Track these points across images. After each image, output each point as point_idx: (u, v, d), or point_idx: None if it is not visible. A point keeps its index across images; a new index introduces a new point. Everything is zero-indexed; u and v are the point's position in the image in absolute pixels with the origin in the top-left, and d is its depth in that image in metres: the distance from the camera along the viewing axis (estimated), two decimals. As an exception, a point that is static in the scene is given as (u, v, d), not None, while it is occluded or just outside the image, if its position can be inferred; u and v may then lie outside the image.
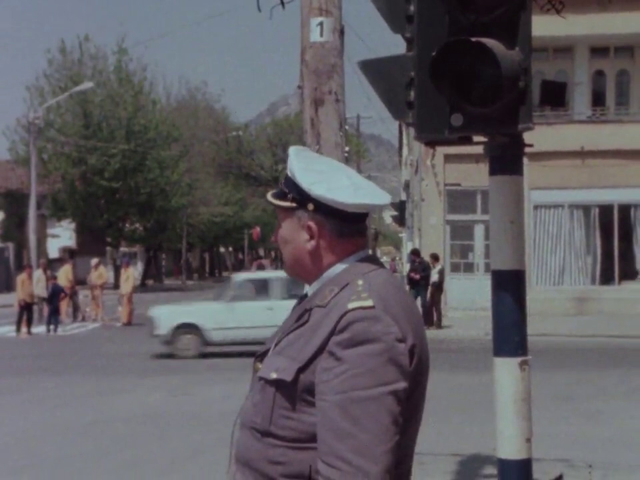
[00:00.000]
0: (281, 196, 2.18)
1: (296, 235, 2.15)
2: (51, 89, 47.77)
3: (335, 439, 1.91)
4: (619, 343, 18.52)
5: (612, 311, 23.92)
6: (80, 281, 30.83)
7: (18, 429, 10.13)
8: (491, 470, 6.59)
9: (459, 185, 25.41)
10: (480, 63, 3.73)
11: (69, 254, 46.17)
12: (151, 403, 11.75)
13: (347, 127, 11.12)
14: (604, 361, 15.63)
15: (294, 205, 2.14)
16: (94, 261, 27.64)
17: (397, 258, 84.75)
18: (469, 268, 26.13)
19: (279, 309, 12.41)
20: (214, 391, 12.51)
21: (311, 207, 2.11)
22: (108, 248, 53.97)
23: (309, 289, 2.20)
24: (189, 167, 56.37)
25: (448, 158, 24.77)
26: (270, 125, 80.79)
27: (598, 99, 27.16)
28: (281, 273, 13.62)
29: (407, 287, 22.36)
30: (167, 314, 17.19)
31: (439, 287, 22.08)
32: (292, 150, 2.21)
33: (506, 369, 4.25)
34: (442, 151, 23.37)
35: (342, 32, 6.47)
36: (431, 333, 19.37)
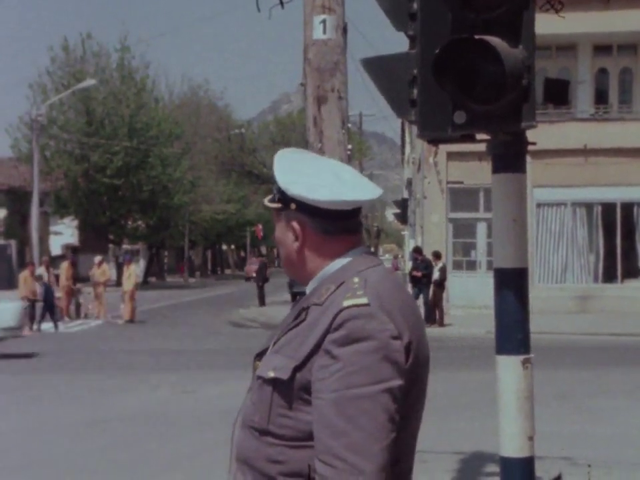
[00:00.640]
0: (272, 199, 2.20)
1: (285, 235, 2.17)
2: (54, 87, 47.82)
3: (330, 436, 1.92)
4: (621, 341, 18.51)
5: (614, 309, 23.91)
6: (82, 278, 30.85)
7: (19, 427, 10.14)
8: (493, 468, 6.58)
9: (461, 182, 25.40)
10: (483, 60, 3.73)
11: (72, 251, 46.17)
12: (153, 400, 11.76)
13: (349, 125, 11.12)
14: (606, 358, 15.62)
15: (279, 206, 2.15)
16: (97, 258, 27.66)
17: (400, 256, 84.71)
18: (472, 266, 26.13)
19: None
20: (216, 389, 12.51)
21: (293, 206, 2.12)
22: (110, 245, 54.01)
23: (306, 288, 2.19)
24: (192, 165, 56.42)
25: (451, 156, 24.77)
26: (272, 123, 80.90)
27: (601, 97, 27.14)
28: None
29: (409, 285, 22.39)
30: None
31: (440, 284, 22.07)
32: (277, 153, 2.22)
33: (508, 366, 4.24)
34: (445, 148, 23.38)
35: (345, 29, 6.46)
36: (433, 331, 19.36)
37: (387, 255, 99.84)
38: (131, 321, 25.15)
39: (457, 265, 26.14)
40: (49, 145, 46.49)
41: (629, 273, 25.63)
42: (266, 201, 2.22)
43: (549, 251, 25.68)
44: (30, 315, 23.14)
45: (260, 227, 66.43)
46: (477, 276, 25.48)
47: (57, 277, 26.31)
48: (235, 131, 69.87)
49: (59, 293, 26.17)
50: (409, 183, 43.43)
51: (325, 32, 6.29)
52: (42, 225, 38.04)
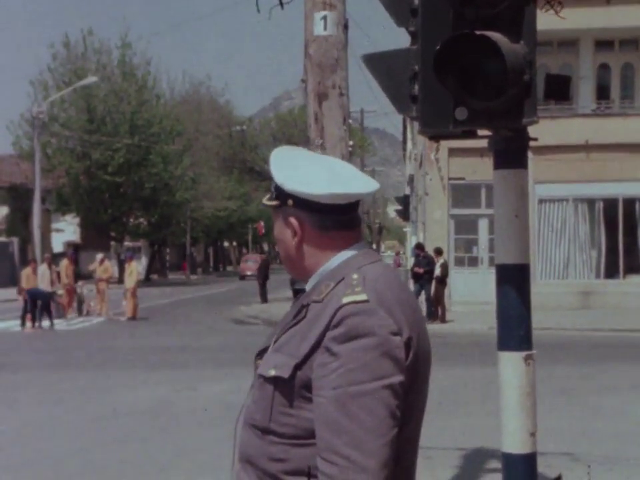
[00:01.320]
0: (270, 196, 2.20)
1: (284, 232, 2.16)
2: (55, 84, 47.83)
3: (331, 434, 1.91)
4: (623, 337, 18.51)
5: (616, 305, 23.91)
6: (84, 275, 30.88)
7: (21, 423, 10.15)
8: (496, 464, 6.58)
9: (463, 179, 25.38)
10: (484, 56, 3.72)
11: (73, 248, 46.19)
12: (155, 397, 11.77)
13: (350, 121, 11.13)
14: (608, 354, 15.61)
15: (277, 203, 2.15)
16: (99, 255, 27.66)
17: (401, 252, 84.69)
18: (473, 262, 26.12)
19: None
20: (218, 385, 12.51)
21: (290, 203, 2.11)
22: (112, 242, 54.03)
23: (306, 285, 2.19)
24: (193, 162, 56.44)
25: (452, 152, 24.76)
26: (274, 119, 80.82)
27: (602, 93, 27.09)
28: None
29: (411, 281, 22.39)
30: None
31: (442, 281, 22.07)
32: (273, 151, 2.22)
33: (510, 363, 4.24)
34: (446, 144, 23.39)
35: (346, 26, 6.45)
36: (434, 327, 19.38)
37: (388, 252, 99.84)
38: (133, 318, 25.17)
39: (459, 261, 26.13)
40: (50, 142, 46.50)
41: (631, 269, 25.61)
42: (264, 199, 2.22)
43: (551, 246, 25.66)
44: (32, 313, 23.18)
45: (261, 223, 66.45)
46: (479, 272, 25.48)
47: (59, 275, 26.31)
48: (236, 127, 69.87)
49: (60, 291, 26.20)
50: (411, 180, 43.42)
51: (325, 28, 6.28)
52: (44, 222, 38.08)
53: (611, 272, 25.60)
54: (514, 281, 4.25)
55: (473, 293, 24.55)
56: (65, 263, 27.03)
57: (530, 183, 5.65)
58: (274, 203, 2.16)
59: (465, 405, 10.58)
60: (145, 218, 53.93)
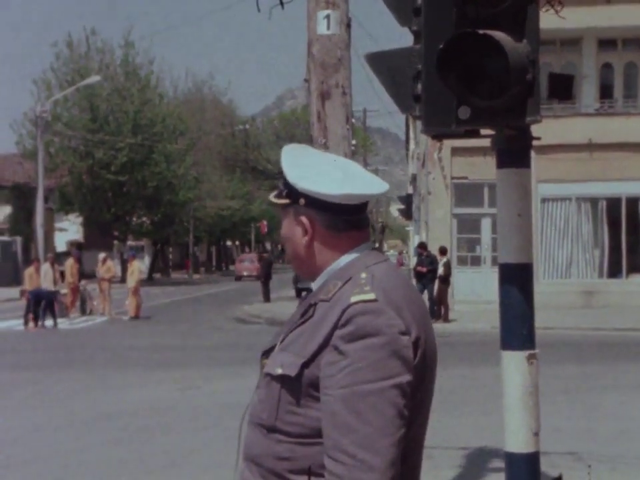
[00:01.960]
0: (278, 194, 2.19)
1: (293, 231, 2.16)
2: (58, 83, 47.87)
3: (339, 433, 1.91)
4: (626, 336, 18.48)
5: (619, 304, 23.88)
6: (87, 275, 30.90)
7: (24, 422, 10.16)
8: (499, 463, 6.58)
9: (466, 178, 25.38)
10: (487, 55, 3.72)
11: (77, 247, 46.23)
12: (158, 396, 11.77)
13: (353, 120, 11.11)
14: (611, 354, 15.60)
15: (287, 201, 2.14)
16: (101, 255, 27.69)
17: (404, 251, 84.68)
18: (476, 261, 26.12)
19: None
20: (220, 384, 12.52)
21: (302, 202, 2.11)
22: (115, 241, 54.07)
23: (313, 284, 2.19)
24: (196, 161, 56.45)
25: (455, 151, 24.76)
26: (277, 119, 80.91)
27: (606, 92, 27.07)
28: None
29: (414, 281, 22.37)
30: None
31: (445, 280, 22.06)
32: (285, 148, 2.21)
33: (513, 362, 4.24)
34: (449, 144, 23.38)
35: (349, 25, 6.45)
36: (437, 327, 19.36)
37: (391, 251, 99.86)
38: (136, 317, 25.18)
39: (462, 261, 26.12)
40: (53, 141, 46.51)
41: (634, 268, 25.59)
42: (272, 197, 2.21)
43: (554, 246, 25.65)
44: (34, 312, 23.20)
45: (264, 222, 66.47)
46: (482, 271, 25.47)
47: (62, 274, 26.34)
48: (239, 126, 69.86)
49: (64, 290, 26.24)
50: (414, 179, 43.42)
51: (328, 27, 6.28)
52: (47, 221, 38.08)
53: (614, 271, 25.58)
54: (517, 280, 4.24)
55: (475, 292, 24.55)
56: (70, 262, 27.05)
57: (533, 182, 5.62)
58: (284, 201, 2.16)
59: (468, 404, 10.57)
60: (147, 217, 53.96)
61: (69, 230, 54.26)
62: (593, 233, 25.62)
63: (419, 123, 4.76)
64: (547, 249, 25.58)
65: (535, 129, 4.13)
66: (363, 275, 2.05)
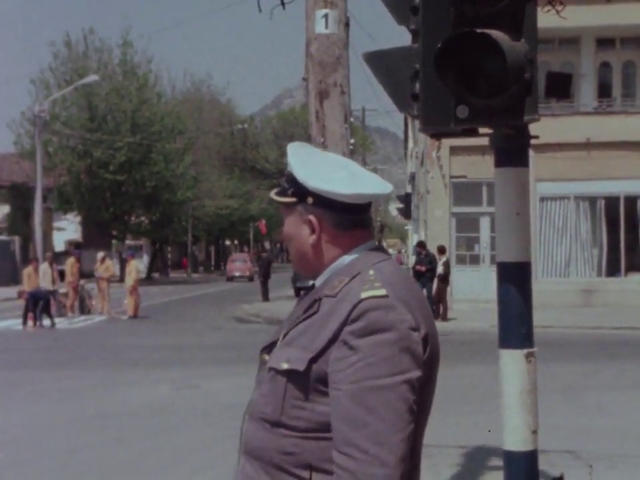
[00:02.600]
0: (282, 193, 2.19)
1: (298, 230, 2.16)
2: (56, 82, 47.85)
3: (350, 428, 1.92)
4: (624, 335, 18.50)
5: (618, 303, 23.91)
6: (86, 274, 30.89)
7: (23, 421, 10.16)
8: (497, 462, 6.59)
9: (464, 177, 25.40)
10: (485, 54, 3.72)
11: (75, 247, 46.22)
12: (157, 395, 11.77)
13: (352, 120, 11.11)
14: (610, 352, 15.61)
15: (294, 200, 2.15)
16: (100, 254, 27.67)
17: (403, 250, 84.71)
18: (475, 260, 26.14)
19: None
20: (220, 383, 12.52)
21: (310, 200, 2.12)
22: (114, 241, 54.05)
23: (316, 281, 2.20)
24: (194, 160, 56.44)
25: (454, 150, 24.77)
26: (275, 118, 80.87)
27: (604, 91, 27.09)
28: None
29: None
30: None
31: (444, 279, 22.07)
32: (290, 146, 2.22)
33: (512, 360, 4.25)
34: (447, 143, 23.40)
35: (347, 24, 6.46)
36: (436, 325, 19.33)
37: (390, 250, 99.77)
38: (134, 316, 25.17)
39: (461, 259, 26.14)
40: (51, 140, 46.49)
41: (633, 267, 25.61)
42: (274, 195, 2.21)
43: (552, 244, 25.67)
44: (33, 312, 23.19)
45: (263, 222, 66.43)
46: (481, 270, 25.49)
47: (61, 273, 26.33)
48: (237, 126, 69.83)
49: (64, 289, 26.24)
50: (412, 178, 43.43)
51: (327, 26, 6.28)
52: (45, 220, 38.08)
53: (613, 270, 25.60)
54: (515, 278, 4.25)
55: (474, 291, 24.57)
56: (71, 261, 27.02)
57: (531, 180, 5.64)
58: (289, 199, 2.16)
59: (466, 403, 10.58)
60: (146, 216, 53.93)
61: (67, 229, 54.25)
62: (591, 232, 25.64)
63: (417, 122, 4.76)
64: (546, 248, 25.59)
65: (533, 128, 4.13)
66: (371, 272, 2.06)
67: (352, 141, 7.78)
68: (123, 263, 43.04)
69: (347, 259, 2.14)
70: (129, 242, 56.69)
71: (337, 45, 6.35)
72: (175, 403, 11.14)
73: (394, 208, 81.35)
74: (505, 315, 4.29)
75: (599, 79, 27.08)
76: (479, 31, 3.70)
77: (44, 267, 24.55)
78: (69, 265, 26.72)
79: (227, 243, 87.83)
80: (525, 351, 4.23)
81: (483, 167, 20.54)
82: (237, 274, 54.87)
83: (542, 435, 4.40)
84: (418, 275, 21.88)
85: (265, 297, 31.56)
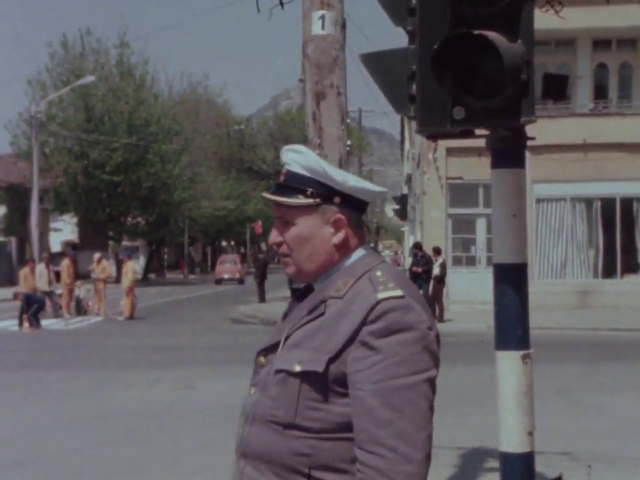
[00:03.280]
0: (291, 194, 2.14)
1: (319, 230, 2.14)
2: (53, 83, 47.83)
3: (376, 426, 1.94)
4: (621, 336, 18.52)
5: (614, 304, 23.93)
6: (82, 275, 30.85)
7: (21, 422, 10.15)
8: (494, 463, 6.59)
9: (461, 178, 25.41)
10: (482, 55, 3.72)
11: (72, 248, 46.17)
12: (154, 396, 11.76)
13: (348, 121, 11.11)
14: (606, 354, 15.62)
15: (318, 200, 2.13)
16: (96, 255, 27.66)
17: (399, 252, 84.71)
18: (471, 261, 26.15)
19: None
20: (217, 384, 12.51)
21: (337, 200, 2.13)
22: (110, 242, 53.99)
23: (315, 283, 2.19)
24: (191, 161, 56.43)
25: (450, 151, 24.78)
26: (272, 119, 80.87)
27: (600, 92, 27.13)
28: None
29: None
30: None
31: (440, 280, 22.09)
32: (301, 147, 2.19)
33: (508, 362, 4.25)
34: (444, 144, 23.42)
35: (344, 25, 6.46)
36: (433, 327, 19.34)
37: (386, 251, 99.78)
38: (131, 317, 25.15)
39: (457, 261, 26.15)
40: (48, 141, 46.47)
41: (629, 268, 25.64)
42: (285, 199, 2.14)
43: (549, 246, 25.68)
44: (27, 314, 23.12)
45: (260, 222, 66.36)
46: (477, 271, 25.50)
47: (57, 274, 26.31)
48: (234, 127, 69.84)
49: (59, 290, 26.21)
50: (409, 179, 43.43)
51: (323, 27, 6.28)
52: (41, 221, 38.04)
53: (609, 271, 25.62)
54: (512, 280, 4.25)
55: (470, 293, 24.57)
56: (66, 262, 26.97)
57: (527, 182, 5.65)
58: (312, 201, 2.13)
59: (463, 404, 10.58)
60: (142, 217, 53.89)
61: (64, 230, 54.22)
62: (587, 233, 25.66)
63: (414, 123, 4.76)
64: (542, 249, 25.61)
65: (530, 129, 4.13)
66: (379, 273, 2.08)
67: (348, 142, 7.78)
68: (119, 264, 42.99)
69: (347, 260, 2.15)
70: (125, 243, 56.67)
71: (333, 46, 6.35)
72: (173, 404, 11.13)
73: (390, 209, 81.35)
74: (501, 317, 4.29)
75: (595, 81, 27.11)
76: (475, 32, 3.70)
77: (40, 267, 24.53)
78: (64, 266, 26.67)
79: (224, 243, 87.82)
80: (521, 352, 4.23)
81: (479, 169, 20.54)
82: (226, 276, 52.25)
83: (538, 436, 4.41)
84: (414, 276, 21.89)
85: (262, 298, 31.55)
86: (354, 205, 2.15)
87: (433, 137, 4.70)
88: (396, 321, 1.98)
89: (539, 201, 25.41)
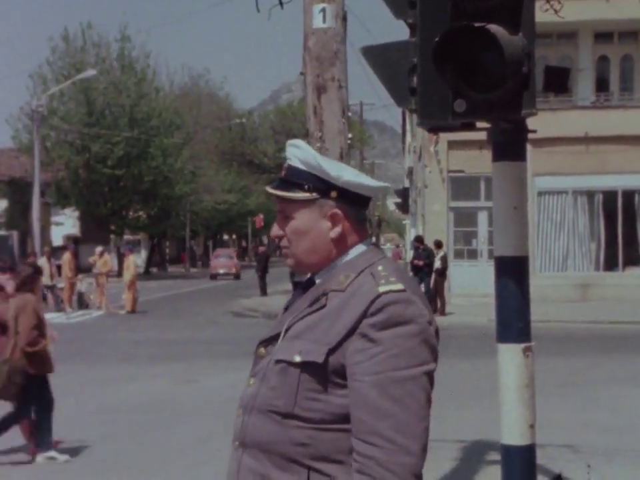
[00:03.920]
0: (291, 188, 2.17)
1: (316, 224, 2.16)
2: (54, 77, 47.76)
3: (374, 417, 1.96)
4: (622, 329, 18.52)
5: (616, 297, 23.91)
6: (84, 269, 30.86)
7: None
8: (495, 456, 6.60)
9: (462, 171, 25.38)
10: (483, 48, 3.72)
11: (73, 241, 46.19)
12: (156, 390, 11.78)
13: (350, 114, 11.12)
14: (607, 347, 15.63)
15: (315, 195, 2.15)
16: (98, 249, 27.66)
17: (401, 245, 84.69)
18: (473, 254, 26.14)
19: None
20: (218, 378, 12.53)
21: (334, 194, 2.14)
22: (112, 236, 53.99)
23: (316, 277, 2.21)
24: (192, 155, 56.36)
25: (451, 144, 24.74)
26: (273, 112, 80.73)
27: (602, 85, 27.08)
28: None
29: (411, 274, 22.39)
30: None
31: (442, 273, 22.09)
32: (301, 142, 2.22)
33: (509, 355, 4.25)
34: (445, 137, 23.39)
35: (345, 18, 6.44)
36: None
37: (388, 244, 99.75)
38: (132, 311, 25.16)
39: (458, 254, 26.15)
40: (49, 135, 46.44)
41: (630, 261, 25.62)
42: (283, 192, 2.17)
43: (550, 239, 25.67)
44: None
45: (261, 216, 66.35)
46: (478, 264, 25.49)
47: (59, 268, 26.31)
48: (235, 120, 69.77)
49: (61, 284, 26.22)
50: (410, 172, 43.39)
51: (324, 21, 6.27)
52: (43, 215, 38.05)
53: (610, 264, 25.61)
54: (513, 273, 4.25)
55: (472, 286, 24.56)
56: (67, 256, 26.97)
57: (529, 175, 5.65)
58: (309, 195, 2.15)
59: (464, 397, 10.59)
60: (144, 211, 53.86)
61: (66, 224, 54.18)
62: (589, 226, 25.64)
63: (415, 116, 4.76)
64: (543, 242, 25.60)
65: (531, 122, 4.13)
66: (380, 267, 2.10)
67: (350, 135, 7.77)
68: (121, 258, 43.02)
69: (349, 254, 2.17)
70: (127, 237, 56.64)
71: (334, 39, 6.33)
72: (174, 398, 11.15)
73: (392, 202, 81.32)
74: (503, 310, 4.29)
75: (596, 73, 27.06)
76: (477, 24, 3.69)
77: (42, 261, 24.52)
78: (66, 260, 26.68)
79: (225, 237, 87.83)
80: (523, 345, 4.23)
81: (480, 161, 20.51)
82: (222, 271, 49.93)
83: (540, 429, 4.41)
84: (416, 269, 21.91)
85: (263, 291, 31.59)
86: (352, 200, 2.15)
87: (434, 129, 4.70)
88: (396, 314, 1.99)
89: (540, 193, 25.39)
